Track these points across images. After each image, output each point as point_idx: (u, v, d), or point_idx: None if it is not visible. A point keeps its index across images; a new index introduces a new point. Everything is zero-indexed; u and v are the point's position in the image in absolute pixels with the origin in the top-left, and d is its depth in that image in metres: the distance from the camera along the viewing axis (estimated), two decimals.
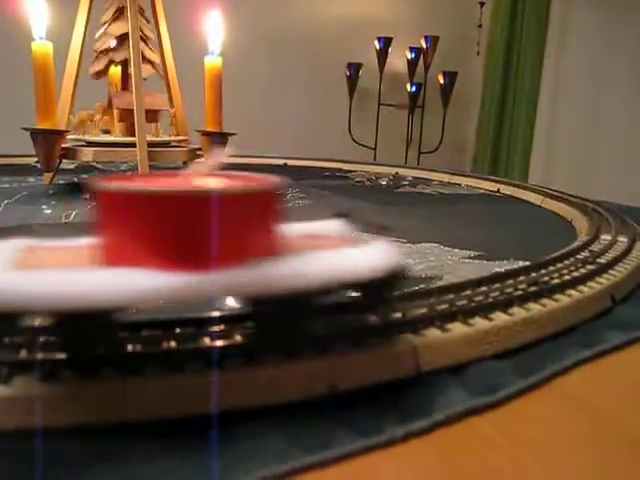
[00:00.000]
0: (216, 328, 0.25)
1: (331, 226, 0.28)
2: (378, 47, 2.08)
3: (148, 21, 0.84)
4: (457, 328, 0.28)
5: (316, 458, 0.20)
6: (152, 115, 0.81)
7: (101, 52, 0.82)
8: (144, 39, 0.81)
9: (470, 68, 2.33)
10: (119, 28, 0.80)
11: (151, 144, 0.78)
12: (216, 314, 0.26)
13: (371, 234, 0.48)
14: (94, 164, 1.13)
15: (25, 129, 0.72)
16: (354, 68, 2.06)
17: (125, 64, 0.83)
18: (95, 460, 0.19)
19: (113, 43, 0.81)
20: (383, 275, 0.23)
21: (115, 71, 0.84)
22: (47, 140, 0.73)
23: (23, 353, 0.22)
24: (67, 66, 0.81)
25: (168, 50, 0.88)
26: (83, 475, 0.19)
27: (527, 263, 0.41)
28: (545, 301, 0.33)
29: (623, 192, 1.34)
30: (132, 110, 0.76)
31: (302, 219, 0.28)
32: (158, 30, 0.87)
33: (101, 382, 0.21)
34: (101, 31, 0.82)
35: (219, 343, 0.24)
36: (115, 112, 0.81)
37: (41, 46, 0.71)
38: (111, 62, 0.82)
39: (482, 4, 2.25)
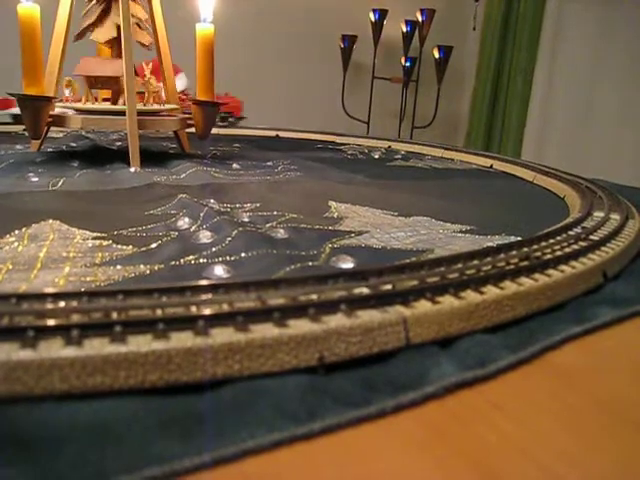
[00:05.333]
0: (204, 296, 0.24)
1: None
2: (373, 19, 2.05)
3: None
4: (448, 301, 0.28)
5: (304, 429, 0.20)
6: (114, 82, 0.80)
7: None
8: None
9: (466, 43, 2.30)
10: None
11: (141, 113, 0.77)
12: (204, 282, 0.25)
13: None
14: (83, 132, 1.11)
15: (11, 95, 0.70)
16: (348, 40, 2.03)
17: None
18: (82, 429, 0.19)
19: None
20: None
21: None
22: (34, 106, 0.72)
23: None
24: (55, 29, 0.79)
25: (159, 16, 0.85)
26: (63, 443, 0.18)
27: (519, 238, 0.41)
28: (537, 276, 0.32)
29: (616, 171, 1.34)
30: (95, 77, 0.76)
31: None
32: None
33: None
34: None
35: (207, 311, 0.23)
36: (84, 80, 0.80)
37: (28, 8, 0.69)
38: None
39: None
